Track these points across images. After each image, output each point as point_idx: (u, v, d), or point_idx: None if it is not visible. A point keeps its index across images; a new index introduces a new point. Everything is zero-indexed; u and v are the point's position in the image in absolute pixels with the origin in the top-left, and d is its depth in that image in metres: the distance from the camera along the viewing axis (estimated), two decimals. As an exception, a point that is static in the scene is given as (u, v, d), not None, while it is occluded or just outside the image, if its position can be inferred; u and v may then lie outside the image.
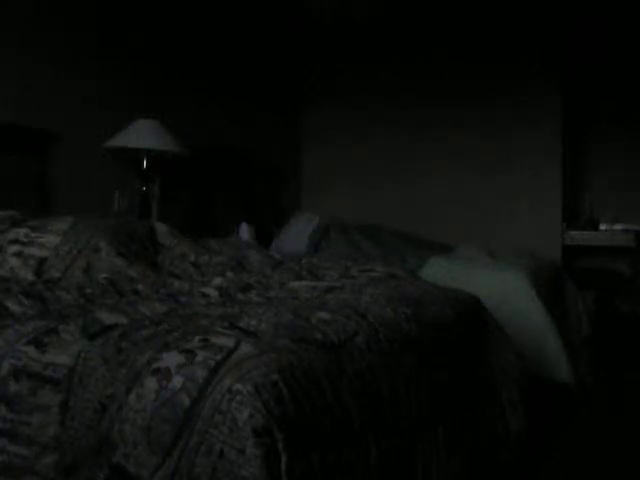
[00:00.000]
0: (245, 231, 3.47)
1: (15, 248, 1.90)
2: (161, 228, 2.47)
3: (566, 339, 2.76)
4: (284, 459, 0.95)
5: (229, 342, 1.11)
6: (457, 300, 1.90)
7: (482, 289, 2.53)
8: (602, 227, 4.51)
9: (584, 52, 4.59)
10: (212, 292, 1.74)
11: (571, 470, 2.10)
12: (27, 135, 2.76)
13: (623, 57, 4.56)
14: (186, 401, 0.99)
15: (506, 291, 2.70)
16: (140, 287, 1.77)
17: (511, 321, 2.45)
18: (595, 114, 4.70)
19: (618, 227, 4.45)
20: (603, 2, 4.40)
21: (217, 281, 1.88)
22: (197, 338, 1.13)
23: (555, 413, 2.63)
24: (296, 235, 3.53)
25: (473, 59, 4.34)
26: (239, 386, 0.98)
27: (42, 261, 1.88)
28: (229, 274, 2.03)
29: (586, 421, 2.62)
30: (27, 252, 1.88)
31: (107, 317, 1.30)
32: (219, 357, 1.05)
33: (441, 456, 1.49)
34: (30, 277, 1.82)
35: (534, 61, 4.19)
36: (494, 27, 4.29)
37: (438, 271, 2.86)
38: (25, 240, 1.93)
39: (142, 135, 2.92)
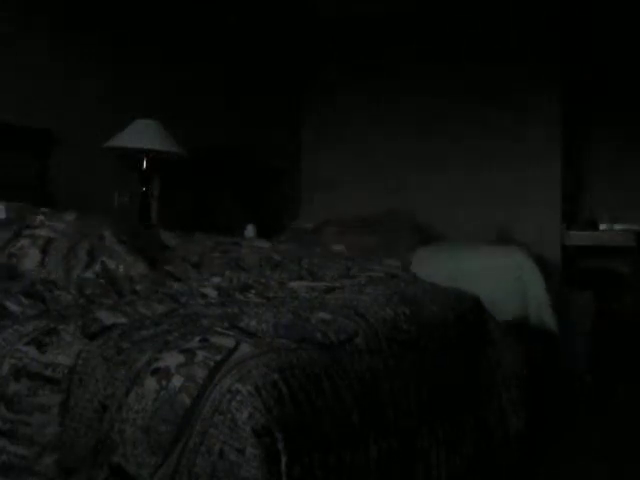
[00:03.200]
0: (251, 232, 3.50)
1: (28, 231, 2.00)
2: (161, 230, 2.48)
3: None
4: (284, 459, 0.95)
5: (229, 342, 1.11)
6: (457, 300, 1.90)
7: (471, 264, 2.82)
8: (602, 227, 4.50)
9: (584, 52, 4.58)
10: (212, 292, 1.73)
11: (571, 470, 2.10)
12: (27, 135, 2.75)
13: (623, 57, 4.55)
14: (186, 401, 0.99)
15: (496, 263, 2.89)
16: (140, 287, 1.77)
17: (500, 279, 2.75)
18: (595, 114, 4.69)
19: (618, 227, 4.45)
20: (603, 2, 4.40)
21: (216, 281, 1.88)
22: (197, 338, 1.13)
23: (555, 413, 2.64)
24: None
25: (473, 59, 4.33)
26: (239, 386, 0.98)
27: (49, 241, 1.96)
28: (228, 274, 2.03)
29: (586, 421, 2.62)
30: (37, 233, 1.99)
31: (107, 317, 1.30)
32: (219, 357, 1.05)
33: (441, 456, 1.48)
34: (37, 256, 1.89)
35: (534, 61, 4.18)
36: (494, 27, 4.28)
37: (427, 259, 2.92)
38: (37, 224, 2.05)
39: (142, 135, 2.92)
